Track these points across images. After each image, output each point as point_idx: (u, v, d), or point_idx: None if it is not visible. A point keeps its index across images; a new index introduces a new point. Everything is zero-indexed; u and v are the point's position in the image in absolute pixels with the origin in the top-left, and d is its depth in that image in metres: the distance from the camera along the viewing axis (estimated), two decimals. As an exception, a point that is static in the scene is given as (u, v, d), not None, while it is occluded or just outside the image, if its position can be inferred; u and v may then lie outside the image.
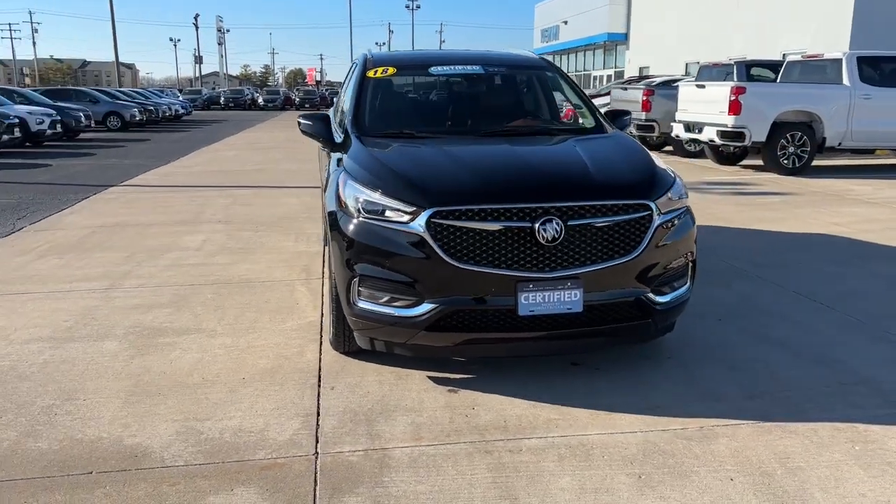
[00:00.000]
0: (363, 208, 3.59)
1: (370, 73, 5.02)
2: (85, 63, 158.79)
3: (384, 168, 3.78)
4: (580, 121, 4.99)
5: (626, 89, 16.47)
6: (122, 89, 36.00)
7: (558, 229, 3.38)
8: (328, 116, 4.74)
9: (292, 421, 3.34)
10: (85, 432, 3.24)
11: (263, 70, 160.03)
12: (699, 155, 14.72)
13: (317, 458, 3.01)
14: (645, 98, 15.00)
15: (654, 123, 15.02)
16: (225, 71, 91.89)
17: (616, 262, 3.49)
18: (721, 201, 9.64)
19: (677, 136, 13.98)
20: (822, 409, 3.47)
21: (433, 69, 5.08)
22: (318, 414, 3.42)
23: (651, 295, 3.63)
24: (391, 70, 5.05)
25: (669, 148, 15.55)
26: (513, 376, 3.82)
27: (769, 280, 5.70)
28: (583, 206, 3.46)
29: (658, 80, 17.68)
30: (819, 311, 4.94)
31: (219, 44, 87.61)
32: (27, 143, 19.50)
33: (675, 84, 15.13)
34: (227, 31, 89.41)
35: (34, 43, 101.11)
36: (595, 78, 38.29)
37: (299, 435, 3.21)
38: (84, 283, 5.68)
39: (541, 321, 3.46)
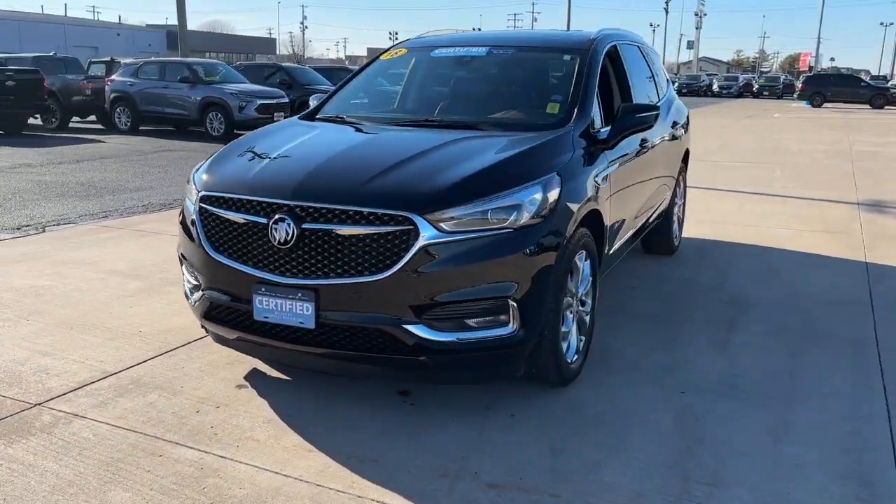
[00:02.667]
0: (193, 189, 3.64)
1: (384, 55, 4.81)
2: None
3: (224, 151, 3.75)
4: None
5: None
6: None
7: (289, 231, 2.96)
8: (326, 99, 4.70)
9: (88, 373, 3.62)
10: (-24, 344, 4.01)
11: (757, 55, 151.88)
12: None
13: (30, 407, 3.26)
14: None
15: None
16: (697, 55, 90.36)
17: (361, 279, 2.91)
18: None
19: None
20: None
21: (435, 52, 4.60)
22: (116, 374, 3.63)
23: (417, 328, 2.92)
24: (401, 52, 4.75)
25: None
26: (335, 391, 3.46)
27: (879, 344, 3.84)
28: (328, 210, 2.95)
29: None
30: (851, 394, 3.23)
31: (696, 28, 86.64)
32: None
33: None
34: (705, 14, 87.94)
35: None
36: None
37: (66, 385, 3.48)
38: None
39: (276, 330, 3.10)
